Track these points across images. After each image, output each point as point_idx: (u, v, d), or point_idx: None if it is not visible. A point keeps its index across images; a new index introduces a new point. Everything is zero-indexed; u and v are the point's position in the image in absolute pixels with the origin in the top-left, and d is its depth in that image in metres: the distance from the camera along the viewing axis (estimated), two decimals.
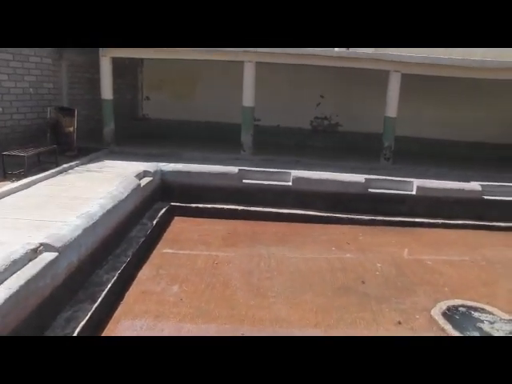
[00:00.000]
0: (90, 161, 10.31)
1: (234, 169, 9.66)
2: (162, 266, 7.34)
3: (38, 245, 5.31)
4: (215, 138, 13.16)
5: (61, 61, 11.58)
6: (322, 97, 13.73)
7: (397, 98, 11.11)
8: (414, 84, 12.17)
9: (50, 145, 9.98)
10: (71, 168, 9.48)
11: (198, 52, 10.65)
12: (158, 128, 13.65)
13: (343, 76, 12.83)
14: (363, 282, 7.18)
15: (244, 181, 9.62)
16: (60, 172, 9.06)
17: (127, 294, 6.38)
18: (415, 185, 9.72)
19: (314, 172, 9.77)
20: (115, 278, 6.31)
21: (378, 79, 12.06)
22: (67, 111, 10.56)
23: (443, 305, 6.48)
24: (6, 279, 4.62)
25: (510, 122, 13.42)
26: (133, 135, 12.75)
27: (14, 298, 4.43)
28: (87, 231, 6.13)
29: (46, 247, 5.37)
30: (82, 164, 9.93)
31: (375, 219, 9.45)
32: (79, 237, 5.88)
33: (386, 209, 9.63)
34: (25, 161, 8.56)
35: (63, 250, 5.47)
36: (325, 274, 7.43)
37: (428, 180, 9.92)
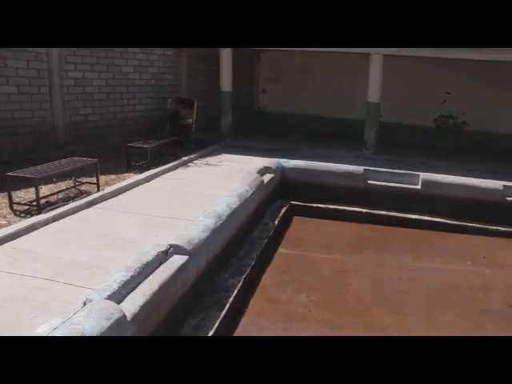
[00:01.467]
0: (208, 154, 9.94)
1: (359, 168, 8.87)
2: (285, 270, 6.76)
3: (168, 246, 4.88)
4: (332, 133, 12.34)
5: (182, 52, 11.31)
6: (448, 93, 12.49)
7: None
8: None
9: (168, 136, 9.72)
10: (190, 161, 9.15)
11: None
12: (273, 122, 13.05)
13: (472, 70, 11.60)
14: (511, 306, 6.15)
15: (369, 181, 8.82)
16: (180, 165, 8.76)
17: (252, 301, 5.85)
18: None
19: (445, 175, 8.74)
20: (241, 283, 5.82)
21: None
22: (187, 103, 10.24)
23: None
24: (139, 283, 4.21)
25: None
26: (248, 129, 12.24)
27: (150, 304, 4.01)
28: (216, 232, 5.65)
29: (176, 249, 4.93)
30: (201, 157, 9.58)
31: None
32: (208, 238, 5.41)
33: None
34: (147, 152, 8.29)
35: (193, 253, 5.02)
36: (464, 291, 6.49)
37: None
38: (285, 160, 9.18)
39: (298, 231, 8.20)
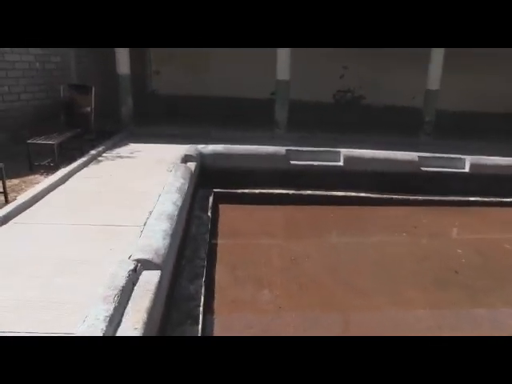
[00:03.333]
0: (115, 145, 8.82)
1: (281, 149, 8.39)
2: (235, 265, 6.12)
3: (135, 262, 4.03)
4: (237, 115, 11.66)
5: None
6: (344, 68, 12.40)
7: (440, 69, 10.01)
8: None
9: (66, 128, 8.40)
10: (99, 155, 8.02)
11: None
12: (169, 105, 11.90)
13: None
14: (456, 272, 6.24)
15: (292, 162, 8.39)
16: (91, 160, 7.62)
17: (217, 306, 5.14)
18: (468, 162, 8.76)
19: (365, 150, 8.62)
20: (203, 289, 5.09)
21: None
22: (83, 89, 8.88)
23: None
24: (122, 315, 3.37)
25: None
26: (144, 114, 10.97)
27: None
28: (174, 236, 4.87)
29: (145, 264, 4.10)
30: (109, 149, 8.46)
31: (431, 199, 8.45)
32: (170, 245, 4.62)
33: (439, 188, 8.64)
34: (54, 149, 7.07)
35: (164, 266, 4.22)
36: (410, 263, 6.48)
37: (480, 156, 8.95)
38: (202, 146, 8.40)
39: (230, 220, 7.53)
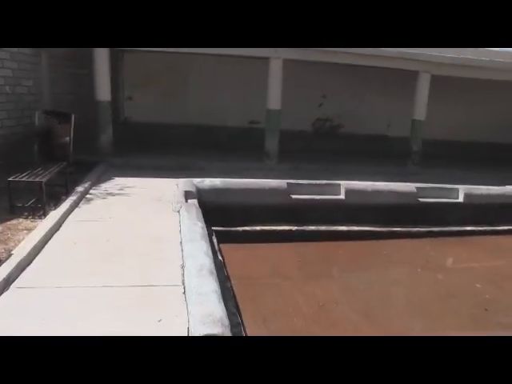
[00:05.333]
0: (99, 179, 7.74)
1: (282, 183, 7.72)
2: (264, 316, 5.38)
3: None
4: (214, 143, 10.86)
5: (40, 50, 8.55)
6: (323, 97, 11.91)
7: (426, 100, 9.77)
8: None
9: (38, 160, 7.27)
10: (87, 192, 6.95)
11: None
12: (144, 133, 10.92)
13: (344, 74, 11.17)
14: (486, 310, 5.89)
15: (293, 196, 7.72)
16: (80, 199, 6.51)
17: None
18: (462, 192, 8.50)
19: (364, 182, 8.15)
20: None
21: (380, 78, 10.76)
22: (62, 116, 7.73)
23: None
24: None
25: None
26: (118, 143, 9.82)
27: None
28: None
29: None
30: (94, 185, 7.38)
31: (432, 230, 8.11)
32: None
33: (436, 218, 8.31)
34: (42, 188, 5.97)
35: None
36: (439, 302, 6.06)
37: (473, 186, 8.73)
38: (198, 180, 7.56)
39: (237, 261, 6.71)
